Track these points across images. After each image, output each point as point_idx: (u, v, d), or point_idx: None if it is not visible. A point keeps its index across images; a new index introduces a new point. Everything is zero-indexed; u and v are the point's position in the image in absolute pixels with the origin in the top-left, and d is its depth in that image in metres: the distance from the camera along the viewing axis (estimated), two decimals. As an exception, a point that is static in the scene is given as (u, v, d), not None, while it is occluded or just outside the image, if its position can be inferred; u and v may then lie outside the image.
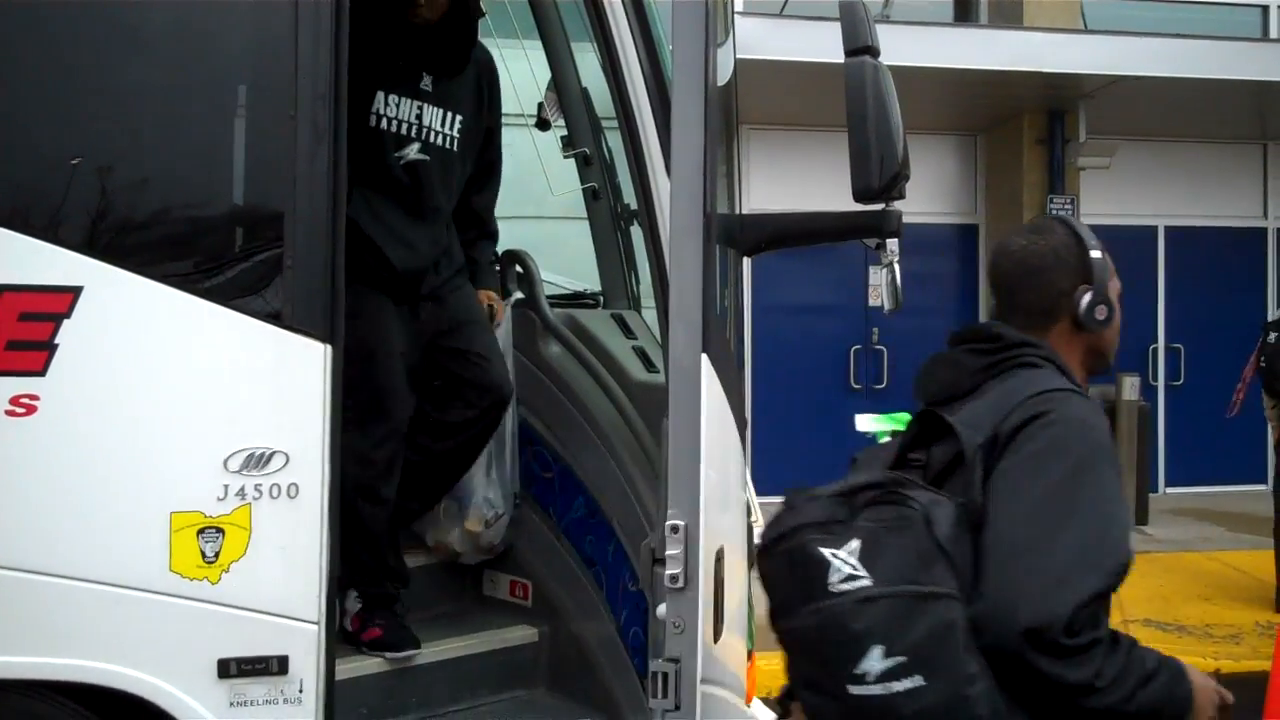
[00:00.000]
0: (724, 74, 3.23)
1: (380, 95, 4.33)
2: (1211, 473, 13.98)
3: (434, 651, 4.32)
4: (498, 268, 4.95)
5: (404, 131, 4.38)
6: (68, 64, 3.04)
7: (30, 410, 2.89)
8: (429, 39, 4.41)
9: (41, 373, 2.89)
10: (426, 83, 4.42)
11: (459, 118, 4.51)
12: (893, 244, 3.24)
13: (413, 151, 4.39)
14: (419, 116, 4.41)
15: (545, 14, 5.10)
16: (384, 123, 4.34)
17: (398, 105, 4.36)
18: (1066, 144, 12.98)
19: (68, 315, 2.91)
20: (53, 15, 3.00)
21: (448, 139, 4.49)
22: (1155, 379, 13.94)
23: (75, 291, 2.92)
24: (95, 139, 3.07)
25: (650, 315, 4.76)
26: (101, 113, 3.10)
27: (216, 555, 3.03)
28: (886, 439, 2.40)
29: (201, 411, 3.03)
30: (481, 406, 4.51)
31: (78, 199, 3.01)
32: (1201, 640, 8.01)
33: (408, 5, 4.33)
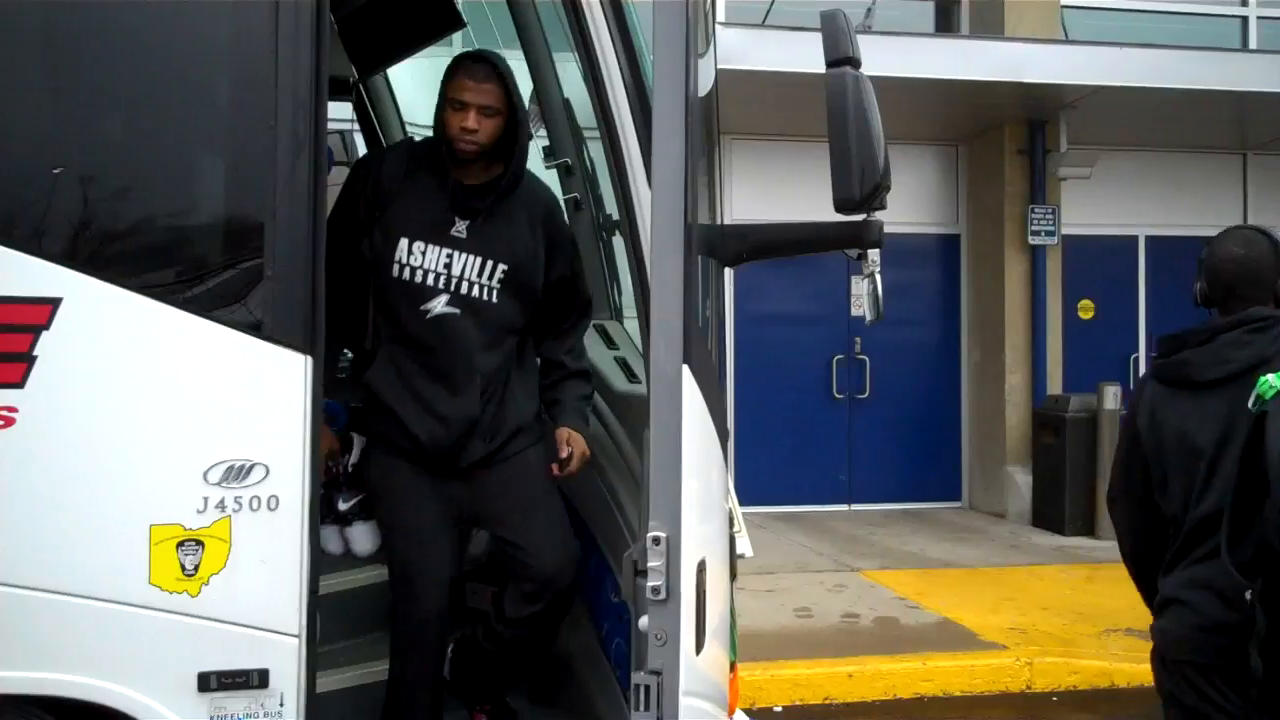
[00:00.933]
0: (705, 84, 3.23)
1: (404, 243, 3.94)
2: (1193, 482, 14.00)
3: (416, 663, 4.29)
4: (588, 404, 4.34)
5: (430, 282, 3.95)
6: (46, 75, 3.03)
7: (9, 422, 2.88)
8: (461, 183, 3.99)
9: (20, 384, 2.88)
10: (460, 228, 3.97)
11: (501, 265, 4.01)
12: (874, 254, 3.24)
13: (440, 304, 3.96)
14: (448, 265, 3.96)
15: (527, 23, 5.10)
16: (406, 272, 3.95)
17: (423, 254, 3.95)
18: (1048, 154, 13.01)
19: (46, 327, 2.90)
20: (30, 26, 2.99)
21: (485, 290, 4.00)
22: (1137, 388, 13.97)
23: (54, 303, 2.91)
24: (74, 149, 3.06)
25: (632, 325, 4.76)
26: (80, 123, 3.09)
27: (196, 568, 3.01)
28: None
29: (181, 423, 3.02)
30: (544, 600, 4.09)
31: (56, 210, 3.00)
32: (1183, 649, 8.02)
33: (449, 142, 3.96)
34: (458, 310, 3.98)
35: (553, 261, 4.15)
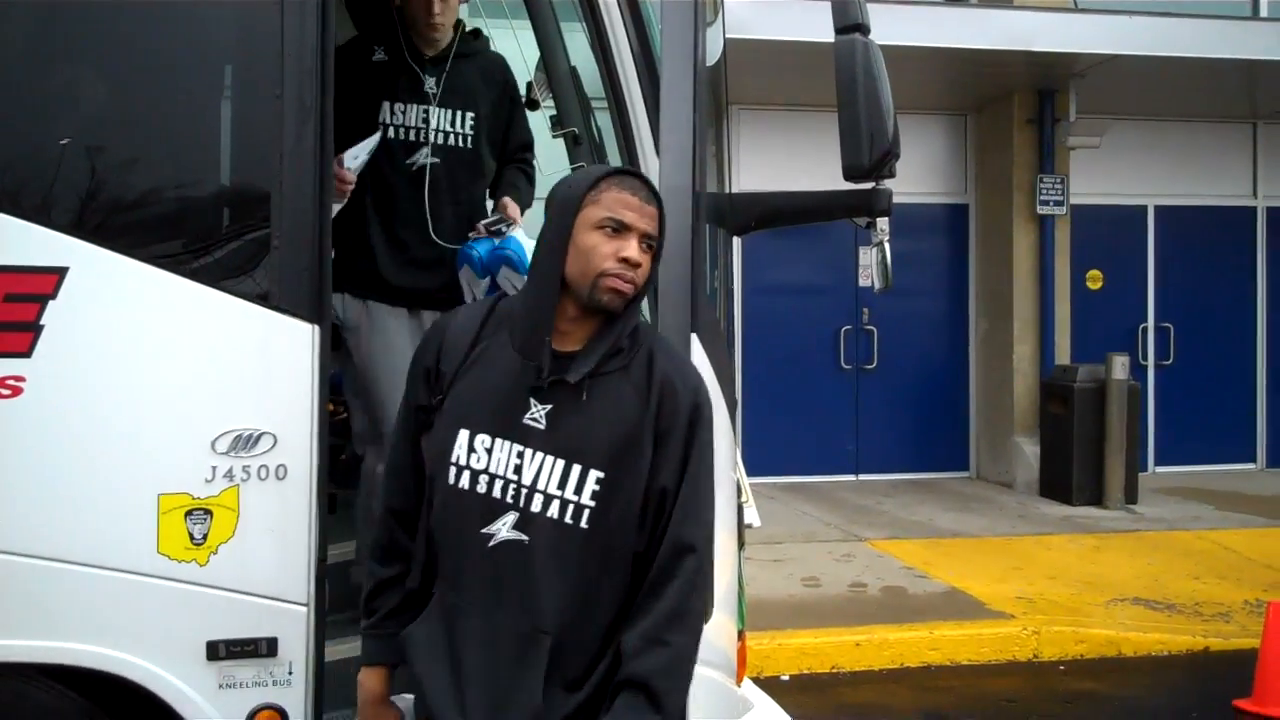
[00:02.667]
0: (713, 54, 3.22)
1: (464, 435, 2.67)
2: (1201, 452, 14.02)
3: (424, 633, 4.31)
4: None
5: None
6: (52, 46, 3.02)
7: (16, 392, 2.88)
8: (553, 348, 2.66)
9: (27, 354, 2.89)
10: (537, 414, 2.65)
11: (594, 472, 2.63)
12: (883, 223, 3.24)
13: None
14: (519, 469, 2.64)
15: (534, -8, 5.07)
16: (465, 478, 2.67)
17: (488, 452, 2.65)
18: (1057, 123, 12.96)
19: (53, 296, 2.90)
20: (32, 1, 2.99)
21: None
22: (1145, 358, 13.95)
23: (60, 272, 2.91)
24: (80, 120, 3.06)
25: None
26: (86, 93, 3.08)
27: (205, 537, 3.02)
28: None
29: (188, 393, 3.02)
30: None
31: (63, 180, 3.00)
32: (1191, 619, 8.03)
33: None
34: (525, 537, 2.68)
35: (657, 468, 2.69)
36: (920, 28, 11.10)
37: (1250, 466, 14.21)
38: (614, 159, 4.80)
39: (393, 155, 4.26)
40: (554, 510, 2.62)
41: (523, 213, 4.44)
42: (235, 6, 3.14)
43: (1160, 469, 13.90)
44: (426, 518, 2.74)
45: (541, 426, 2.63)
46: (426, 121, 4.28)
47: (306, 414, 3.11)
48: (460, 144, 4.35)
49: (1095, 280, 13.83)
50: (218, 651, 3.04)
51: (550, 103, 5.16)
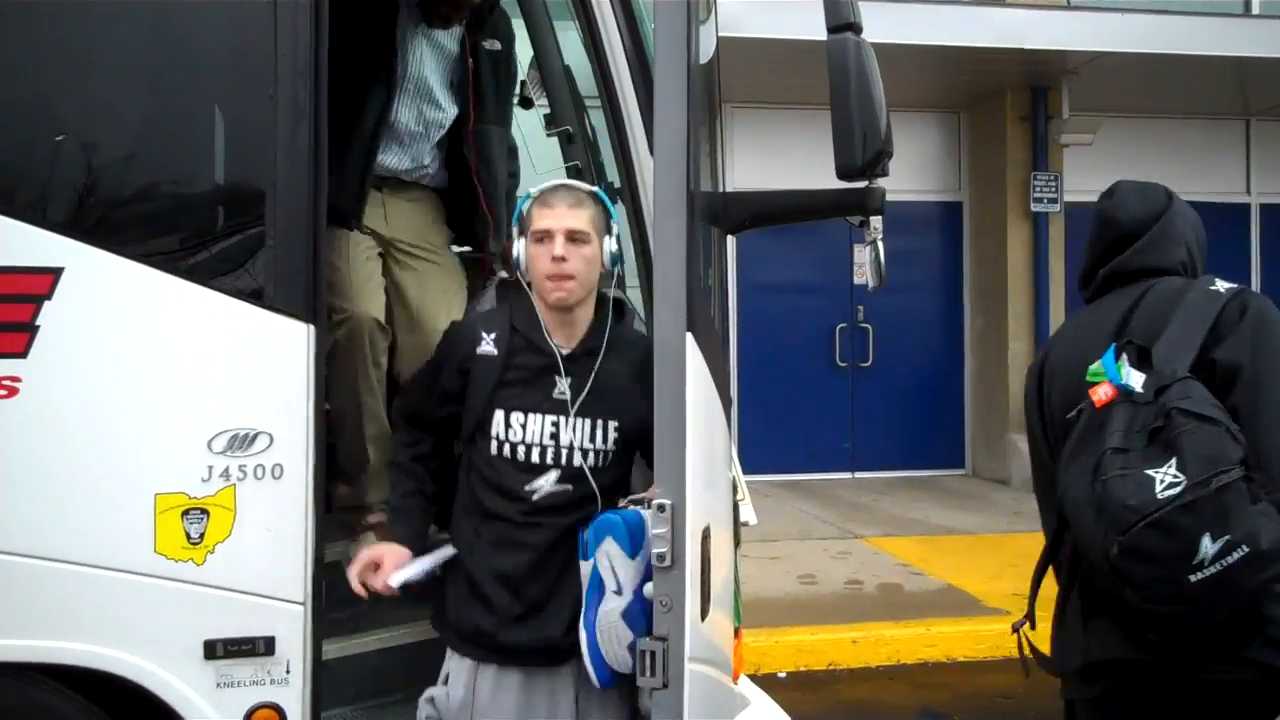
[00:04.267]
0: (706, 52, 3.22)
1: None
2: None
3: (420, 631, 4.31)
4: None
5: None
6: (47, 44, 3.02)
7: (12, 392, 2.88)
8: None
9: (23, 354, 2.89)
10: None
11: None
12: (876, 221, 3.24)
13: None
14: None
15: (528, -9, 5.07)
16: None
17: None
18: (1050, 121, 12.97)
19: (49, 297, 2.90)
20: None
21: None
22: (1139, 355, 13.95)
23: (56, 273, 2.91)
24: (75, 119, 3.06)
25: (635, 294, 4.76)
26: (81, 93, 3.08)
27: (201, 536, 3.02)
28: None
29: (184, 393, 3.02)
30: None
31: (58, 180, 3.00)
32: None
33: None
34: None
35: None
36: (913, 25, 11.10)
37: (1245, 463, 14.22)
38: (608, 157, 4.81)
39: (503, 482, 3.38)
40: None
41: None
42: (229, 6, 3.14)
43: (1155, 465, 13.90)
44: None
45: None
46: (556, 437, 3.36)
47: (303, 413, 3.11)
48: (600, 463, 3.40)
49: (1089, 277, 13.84)
50: (215, 650, 3.04)
51: (544, 101, 5.17)
